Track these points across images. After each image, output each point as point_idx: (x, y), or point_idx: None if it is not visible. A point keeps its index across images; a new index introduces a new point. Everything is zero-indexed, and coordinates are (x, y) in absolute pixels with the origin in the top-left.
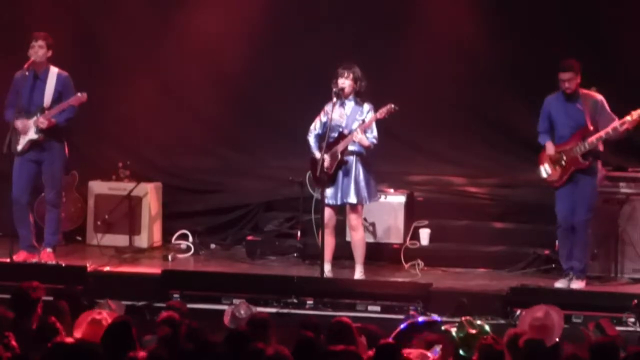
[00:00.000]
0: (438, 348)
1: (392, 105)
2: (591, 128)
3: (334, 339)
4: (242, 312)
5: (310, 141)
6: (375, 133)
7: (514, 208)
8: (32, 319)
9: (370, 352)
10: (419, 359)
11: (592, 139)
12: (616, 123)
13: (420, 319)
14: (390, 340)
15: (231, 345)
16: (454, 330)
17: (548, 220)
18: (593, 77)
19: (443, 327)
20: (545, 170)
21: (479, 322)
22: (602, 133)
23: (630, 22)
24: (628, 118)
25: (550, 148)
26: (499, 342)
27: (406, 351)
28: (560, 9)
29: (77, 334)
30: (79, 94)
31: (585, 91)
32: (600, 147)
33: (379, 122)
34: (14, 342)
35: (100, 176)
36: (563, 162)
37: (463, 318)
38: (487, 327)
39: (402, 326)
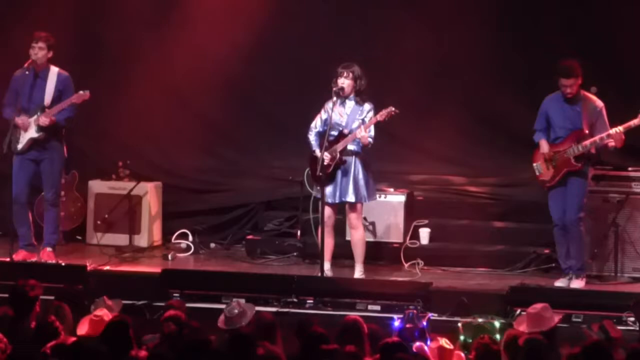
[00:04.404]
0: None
1: (393, 108)
2: (586, 132)
3: (341, 338)
4: (236, 310)
5: (310, 139)
6: (372, 133)
7: (513, 207)
8: (30, 318)
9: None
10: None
11: (586, 142)
12: (604, 134)
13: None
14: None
15: (235, 347)
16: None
17: (548, 219)
18: (592, 77)
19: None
20: (537, 169)
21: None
22: (596, 138)
23: (630, 21)
24: (611, 131)
25: (544, 146)
26: (496, 342)
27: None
28: (560, 9)
29: (81, 332)
30: (81, 92)
31: (587, 94)
32: (593, 150)
33: (378, 123)
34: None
35: (100, 175)
36: (555, 163)
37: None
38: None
39: (399, 325)
